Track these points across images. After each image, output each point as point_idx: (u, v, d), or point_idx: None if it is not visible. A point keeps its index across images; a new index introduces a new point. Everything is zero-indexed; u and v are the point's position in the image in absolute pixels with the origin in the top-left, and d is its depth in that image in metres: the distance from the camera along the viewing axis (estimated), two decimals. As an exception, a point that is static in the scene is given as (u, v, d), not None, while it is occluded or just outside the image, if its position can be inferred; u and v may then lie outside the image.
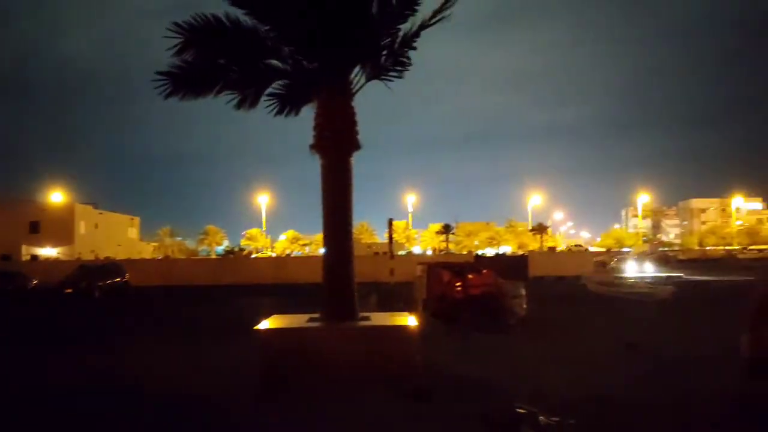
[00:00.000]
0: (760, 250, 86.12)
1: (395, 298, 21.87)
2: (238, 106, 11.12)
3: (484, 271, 19.11)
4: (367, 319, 10.52)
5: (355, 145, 10.62)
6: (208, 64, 10.74)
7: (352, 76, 10.71)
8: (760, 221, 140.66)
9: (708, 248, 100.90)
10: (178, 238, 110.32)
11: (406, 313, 11.38)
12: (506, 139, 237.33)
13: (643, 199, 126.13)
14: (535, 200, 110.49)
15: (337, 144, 10.48)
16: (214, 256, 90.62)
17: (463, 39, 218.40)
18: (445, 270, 19.11)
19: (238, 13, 10.27)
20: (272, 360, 9.56)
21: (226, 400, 9.15)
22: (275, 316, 11.27)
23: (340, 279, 10.43)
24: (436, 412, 8.22)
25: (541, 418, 7.28)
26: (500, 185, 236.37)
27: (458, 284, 18.06)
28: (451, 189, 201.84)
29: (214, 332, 16.67)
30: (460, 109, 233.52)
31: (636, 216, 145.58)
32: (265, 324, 10.33)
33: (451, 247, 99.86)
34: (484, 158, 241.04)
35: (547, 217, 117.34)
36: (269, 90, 11.19)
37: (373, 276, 31.67)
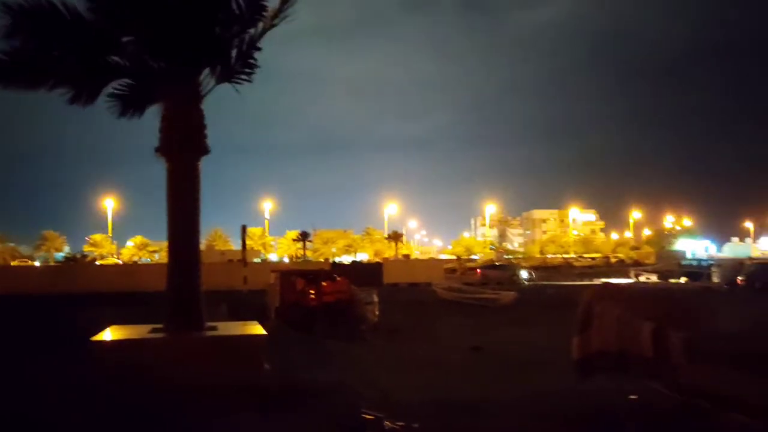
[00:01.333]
0: (593, 258, 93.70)
1: (248, 306, 21.35)
2: (72, 101, 10.38)
3: (338, 278, 19.28)
4: (214, 329, 10.24)
5: (203, 150, 10.31)
6: (42, 53, 9.97)
7: (201, 78, 10.40)
8: (593, 231, 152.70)
9: (548, 256, 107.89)
10: (11, 244, 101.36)
11: (255, 322, 11.19)
12: (363, 148, 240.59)
13: (490, 209, 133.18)
14: (391, 209, 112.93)
15: (183, 148, 10.13)
16: (53, 263, 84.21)
17: (322, 47, 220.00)
18: (298, 277, 19.08)
19: (78, 4, 9.64)
20: (110, 374, 9.01)
21: (58, 419, 8.47)
22: (114, 326, 10.65)
23: (184, 288, 10.07)
24: (284, 420, 8.18)
25: (386, 422, 7.42)
26: (358, 193, 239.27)
27: (312, 292, 18.09)
28: (309, 196, 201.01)
29: (45, 345, 15.38)
30: (318, 118, 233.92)
31: (484, 225, 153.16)
32: (104, 335, 9.74)
33: (309, 254, 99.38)
34: (341, 166, 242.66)
35: (402, 226, 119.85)
36: (110, 90, 10.59)
37: (227, 284, 30.84)
